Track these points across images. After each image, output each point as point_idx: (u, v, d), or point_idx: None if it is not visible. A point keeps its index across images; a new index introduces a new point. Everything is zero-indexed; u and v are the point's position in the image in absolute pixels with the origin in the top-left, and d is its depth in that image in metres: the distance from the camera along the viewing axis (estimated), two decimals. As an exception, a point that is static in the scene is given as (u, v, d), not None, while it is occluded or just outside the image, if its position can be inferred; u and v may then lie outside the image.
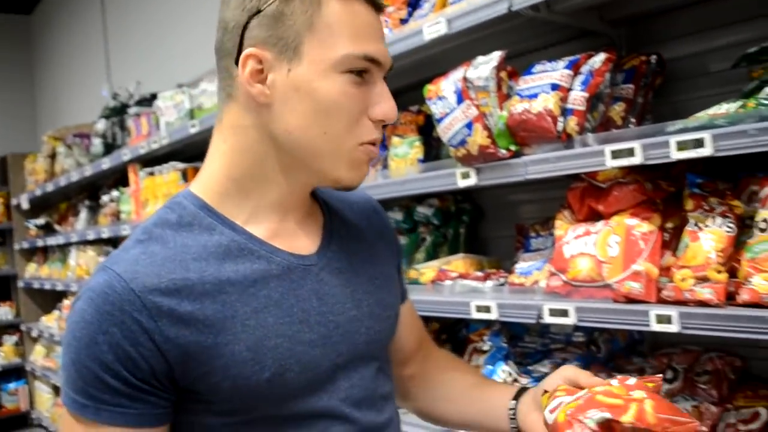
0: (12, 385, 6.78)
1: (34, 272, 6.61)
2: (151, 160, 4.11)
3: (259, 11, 0.98)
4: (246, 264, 1.02)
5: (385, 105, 1.03)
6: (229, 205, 1.06)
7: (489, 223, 2.65)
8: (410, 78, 2.63)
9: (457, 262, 2.28)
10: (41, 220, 6.30)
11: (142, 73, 5.23)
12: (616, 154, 1.63)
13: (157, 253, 0.99)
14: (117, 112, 4.66)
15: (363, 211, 1.27)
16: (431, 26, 2.05)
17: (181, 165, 3.70)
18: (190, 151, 4.01)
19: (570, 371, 1.17)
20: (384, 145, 2.60)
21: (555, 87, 1.81)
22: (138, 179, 4.15)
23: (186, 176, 3.65)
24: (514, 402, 1.24)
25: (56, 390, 6.25)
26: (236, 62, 1.01)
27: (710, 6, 1.98)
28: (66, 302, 5.68)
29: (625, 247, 1.68)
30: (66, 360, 0.98)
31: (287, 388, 1.02)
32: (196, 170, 3.63)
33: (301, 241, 1.10)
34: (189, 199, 1.06)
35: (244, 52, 0.99)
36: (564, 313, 1.74)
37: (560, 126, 1.79)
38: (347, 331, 1.09)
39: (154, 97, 4.27)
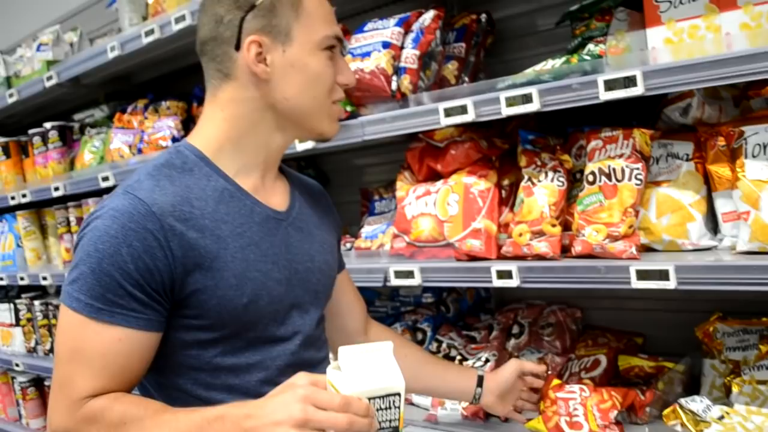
0: None
1: None
2: (-31, 135, 3.76)
3: (253, 6, 1.23)
4: (235, 208, 1.25)
5: (347, 73, 1.32)
6: (223, 159, 1.27)
7: (334, 189, 2.59)
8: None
9: (302, 229, 2.21)
10: None
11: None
12: (449, 112, 1.61)
13: (167, 187, 1.20)
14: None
15: (313, 191, 1.51)
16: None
17: (2, 139, 3.38)
18: (12, 123, 3.69)
19: (516, 365, 1.60)
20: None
21: (386, 45, 1.77)
22: (-46, 156, 3.78)
23: (8, 151, 3.35)
24: (479, 390, 1.59)
25: None
26: (237, 48, 1.24)
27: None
28: None
29: (464, 205, 1.68)
30: (84, 269, 1.14)
31: (257, 314, 1.24)
32: (20, 144, 3.37)
33: (275, 198, 1.34)
34: (190, 149, 1.28)
35: (248, 39, 1.23)
36: (409, 274, 1.72)
37: (394, 85, 1.76)
38: (304, 278, 1.33)
39: (-35, 64, 3.89)
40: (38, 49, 3.07)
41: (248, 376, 1.25)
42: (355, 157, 2.55)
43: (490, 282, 1.59)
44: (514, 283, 1.55)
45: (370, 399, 1.02)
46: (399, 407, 1.04)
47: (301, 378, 1.06)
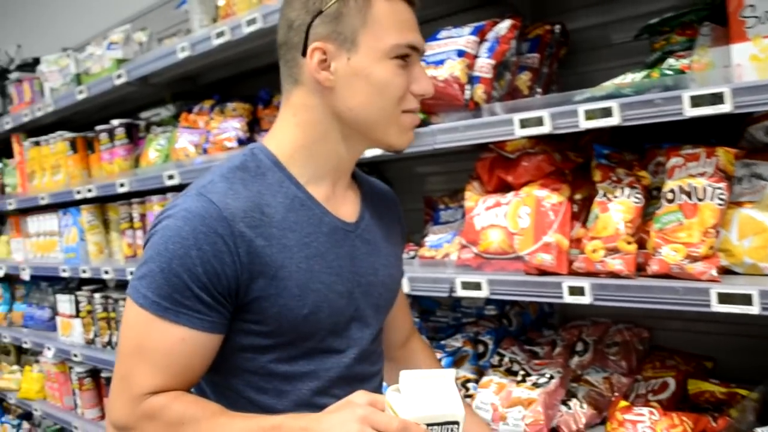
0: None
1: None
2: (37, 129, 3.84)
3: (320, 11, 1.20)
4: (304, 217, 1.24)
5: (423, 82, 1.25)
6: (295, 165, 1.26)
7: (397, 196, 2.58)
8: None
9: (365, 235, 2.20)
10: None
11: (22, 35, 4.88)
12: (524, 123, 1.59)
13: (240, 192, 1.20)
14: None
15: (386, 200, 1.50)
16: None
17: (69, 134, 3.46)
18: (79, 119, 3.77)
19: None
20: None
21: (461, 53, 1.75)
22: (22, 150, 3.88)
23: (75, 146, 3.42)
24: None
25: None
26: (303, 54, 1.22)
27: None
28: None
29: (536, 218, 1.65)
30: (153, 267, 1.15)
31: (316, 325, 1.23)
32: (86, 140, 3.44)
33: (345, 208, 1.32)
34: (264, 153, 1.27)
35: (312, 46, 1.20)
36: (477, 286, 1.70)
37: (467, 94, 1.74)
38: (366, 291, 1.32)
39: (36, 61, 3.98)
40: (108, 48, 3.13)
41: (300, 384, 1.25)
42: (418, 165, 2.53)
43: (561, 298, 1.56)
44: (586, 300, 1.52)
45: (428, 425, 1.00)
46: None
47: (360, 397, 1.05)
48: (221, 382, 1.26)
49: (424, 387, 1.03)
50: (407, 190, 2.56)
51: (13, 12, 5.35)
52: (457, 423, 1.01)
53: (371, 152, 1.92)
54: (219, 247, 1.14)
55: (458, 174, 2.35)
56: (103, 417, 3.49)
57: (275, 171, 1.25)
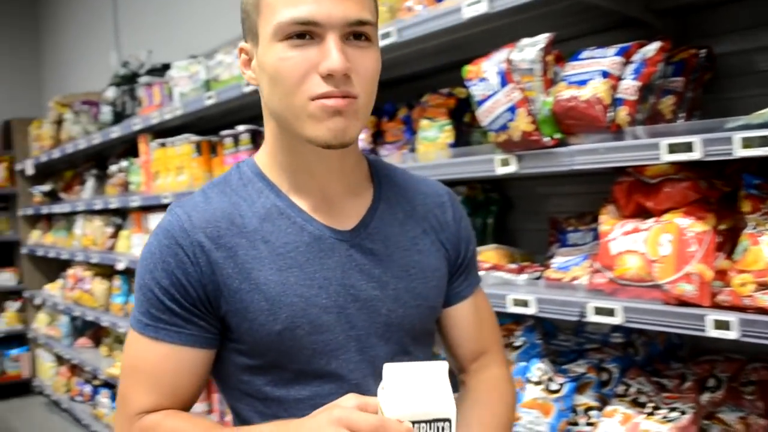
0: (14, 351, 6.71)
1: (38, 239, 6.53)
2: (163, 131, 4.01)
3: (242, 10, 1.17)
4: (281, 227, 1.16)
5: (328, 60, 1.06)
6: (274, 174, 1.21)
7: (517, 215, 2.56)
8: (440, 60, 2.53)
9: (489, 253, 2.19)
10: (47, 187, 6.19)
11: (152, 41, 5.11)
12: (673, 148, 1.54)
13: (213, 202, 1.17)
14: (127, 81, 4.52)
15: (425, 203, 1.31)
16: (471, 4, 1.95)
17: (195, 137, 3.59)
18: (203, 124, 3.91)
19: None
20: (411, 128, 2.51)
21: (605, 74, 1.72)
22: (149, 150, 4.05)
23: (200, 149, 3.55)
24: None
25: (59, 359, 6.19)
26: None
27: (760, 2, 1.88)
28: (71, 271, 5.60)
29: (678, 246, 1.60)
30: (136, 286, 1.18)
31: (296, 344, 1.14)
32: (211, 144, 3.56)
33: (341, 217, 1.20)
34: (249, 165, 1.24)
35: (237, 47, 1.20)
36: (610, 312, 1.66)
37: (610, 116, 1.70)
38: (365, 307, 1.18)
39: (166, 66, 4.16)
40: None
41: (297, 412, 1.12)
42: (540, 185, 2.50)
43: (704, 331, 1.50)
44: (732, 335, 1.45)
45: (414, 423, 0.91)
46: None
47: (348, 400, 0.97)
48: (233, 406, 1.25)
49: (411, 381, 0.93)
50: (528, 209, 2.53)
51: (144, 19, 5.61)
52: (448, 420, 0.92)
53: (505, 169, 1.91)
54: (180, 258, 1.13)
55: (581, 196, 2.31)
56: (210, 411, 3.58)
57: (256, 181, 1.20)
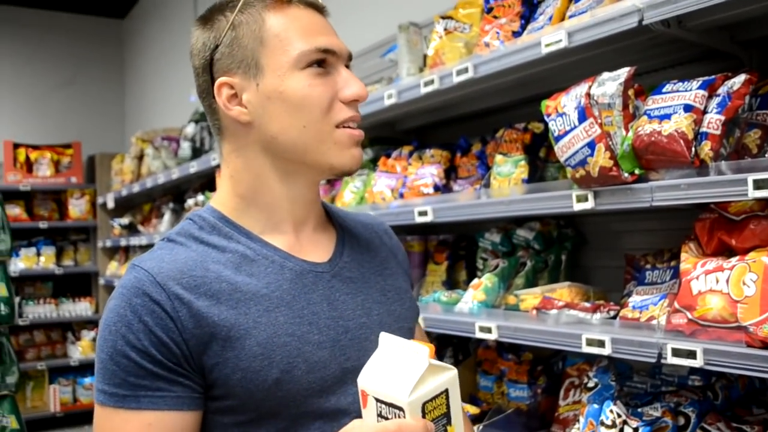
0: (88, 380, 6.86)
1: (115, 270, 6.72)
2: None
3: (217, 46, 1.13)
4: (260, 267, 1.12)
5: (353, 86, 1.13)
6: (244, 217, 1.17)
7: (591, 251, 2.51)
8: (516, 94, 2.53)
9: (563, 290, 2.15)
10: (125, 220, 6.40)
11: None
12: (760, 184, 1.49)
13: (180, 254, 1.11)
14: (206, 117, 4.67)
15: (374, 231, 1.36)
16: (551, 39, 1.94)
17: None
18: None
19: None
20: (485, 163, 2.50)
21: (688, 108, 1.68)
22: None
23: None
24: None
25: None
26: (213, 96, 1.14)
27: None
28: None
29: (764, 287, 1.53)
30: (103, 356, 1.06)
31: (295, 386, 1.08)
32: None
33: (315, 252, 1.20)
34: (209, 212, 1.18)
35: (216, 83, 1.13)
36: (691, 354, 1.59)
37: (693, 151, 1.66)
38: (356, 336, 1.16)
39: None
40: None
41: None
42: (614, 221, 2.45)
43: (792, 375, 1.43)
44: (824, 380, 1.38)
45: (377, 400, 0.97)
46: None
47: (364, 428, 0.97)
48: None
49: (392, 360, 0.97)
50: (602, 246, 2.48)
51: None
52: (401, 409, 0.93)
53: (583, 206, 1.88)
54: (158, 315, 1.04)
55: (658, 233, 2.25)
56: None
57: (221, 226, 1.16)
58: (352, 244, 1.26)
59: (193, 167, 4.44)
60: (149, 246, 5.78)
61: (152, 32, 7.57)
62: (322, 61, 1.12)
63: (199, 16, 1.20)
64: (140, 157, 5.97)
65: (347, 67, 1.18)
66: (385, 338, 0.98)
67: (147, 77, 7.73)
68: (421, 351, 0.95)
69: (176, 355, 1.04)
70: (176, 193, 5.55)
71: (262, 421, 1.09)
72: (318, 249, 1.21)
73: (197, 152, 4.63)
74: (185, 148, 4.81)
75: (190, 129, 4.76)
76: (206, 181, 4.74)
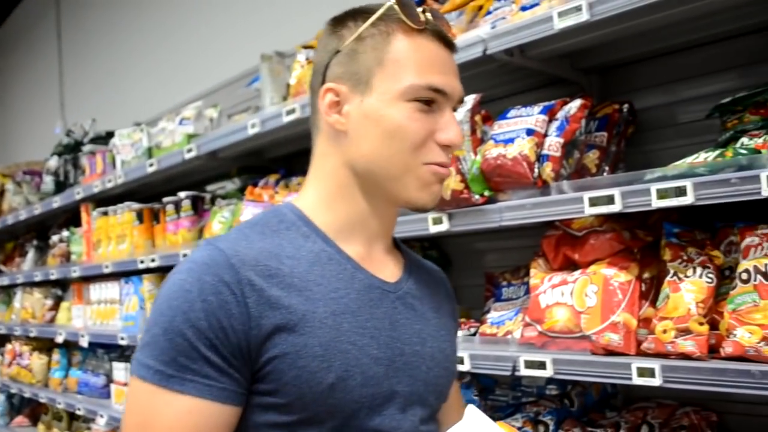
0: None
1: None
2: (105, 200, 3.97)
3: (338, 51, 1.12)
4: (333, 272, 1.10)
5: (451, 131, 1.11)
6: (323, 219, 1.14)
7: (456, 271, 2.59)
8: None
9: (426, 310, 2.20)
10: (-15, 260, 6.05)
11: (97, 110, 5.11)
12: (594, 202, 1.60)
13: (256, 242, 1.07)
14: (70, 150, 4.50)
15: (434, 275, 1.34)
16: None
17: (136, 205, 3.57)
18: (146, 191, 3.90)
19: None
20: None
21: (530, 132, 1.78)
22: (90, 219, 4.00)
23: (141, 217, 3.53)
24: None
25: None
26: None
27: (678, 58, 1.99)
28: (8, 347, 5.42)
29: (603, 297, 1.64)
30: (156, 330, 1.00)
31: (347, 396, 1.04)
32: (153, 211, 3.54)
33: (384, 271, 1.17)
34: (289, 208, 1.16)
35: (323, 86, 1.12)
36: (541, 365, 1.67)
37: (536, 172, 1.76)
38: (409, 362, 1.13)
39: (109, 135, 4.14)
40: (180, 123, 3.27)
41: None
42: (477, 240, 2.54)
43: (630, 379, 1.53)
44: (656, 382, 1.48)
45: None
46: None
47: None
48: None
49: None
50: (466, 265, 2.57)
51: (89, 88, 5.63)
52: None
53: (438, 228, 1.95)
54: (224, 297, 0.99)
55: (517, 251, 2.35)
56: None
57: (300, 225, 1.13)
58: (417, 276, 1.24)
59: (57, 202, 4.27)
60: (12, 287, 5.50)
61: (13, 62, 7.26)
62: (431, 100, 1.10)
63: (334, 16, 1.17)
64: (1, 193, 5.67)
65: (455, 110, 1.16)
66: (471, 412, 0.93)
67: (8, 109, 7.39)
68: None
69: (233, 345, 0.99)
70: (40, 230, 5.30)
71: (303, 426, 1.04)
72: (386, 269, 1.18)
73: (61, 186, 4.45)
74: (48, 182, 4.61)
75: (53, 162, 4.57)
76: (71, 216, 4.56)
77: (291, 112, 2.43)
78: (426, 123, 1.09)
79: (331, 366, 1.03)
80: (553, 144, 1.76)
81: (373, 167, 1.11)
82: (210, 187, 3.56)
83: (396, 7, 1.10)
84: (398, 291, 1.17)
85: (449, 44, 1.14)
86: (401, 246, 1.29)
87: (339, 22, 1.15)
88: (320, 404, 1.03)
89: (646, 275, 1.68)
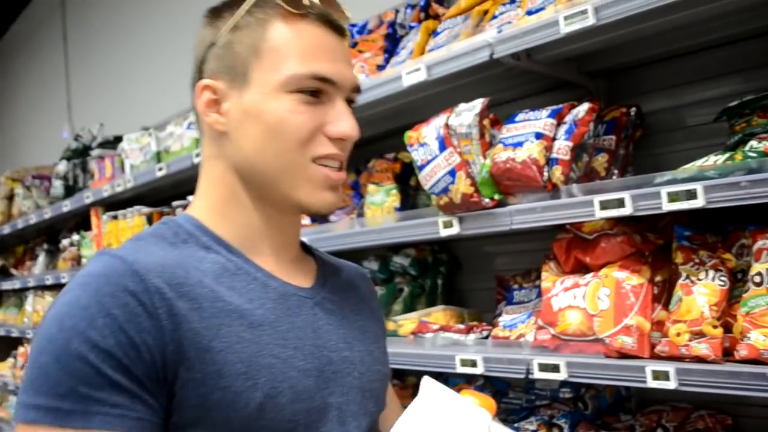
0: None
1: (-13, 318, 6.37)
2: (115, 204, 3.98)
3: (213, 44, 1.01)
4: (243, 282, 0.99)
5: (343, 123, 1.00)
6: (223, 229, 1.03)
7: (466, 275, 2.59)
8: (386, 125, 2.59)
9: (438, 314, 2.21)
10: (-3, 264, 6.08)
11: (104, 114, 5.13)
12: (605, 205, 1.60)
13: (156, 251, 0.95)
14: (79, 154, 4.53)
15: (352, 275, 1.25)
16: (410, 72, 2.02)
17: (146, 209, 3.59)
18: (155, 195, 3.91)
19: None
20: (359, 193, 2.55)
21: (539, 136, 1.78)
22: (100, 223, 4.02)
23: (151, 221, 3.54)
24: None
25: (8, 442, 5.98)
26: None
27: (685, 61, 1.99)
28: (21, 350, 5.46)
29: (616, 300, 1.64)
30: (44, 360, 0.83)
31: (279, 415, 0.92)
32: (162, 215, 3.56)
33: (297, 277, 1.07)
34: (185, 218, 1.04)
35: (199, 83, 1.02)
36: (555, 368, 1.68)
37: (545, 175, 1.76)
38: (339, 370, 1.04)
39: (117, 139, 4.16)
40: (188, 127, 3.27)
41: None
42: (487, 244, 2.54)
43: (645, 382, 1.53)
44: (671, 385, 1.48)
45: None
46: None
47: None
48: None
49: (441, 412, 0.86)
50: (477, 268, 2.57)
51: (96, 92, 5.64)
52: None
53: (449, 231, 1.95)
54: (132, 309, 0.85)
55: (527, 254, 2.35)
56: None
57: (199, 235, 1.01)
58: (333, 279, 1.15)
59: (66, 206, 4.29)
60: (23, 290, 5.53)
61: (21, 66, 7.28)
62: (317, 90, 0.99)
63: (212, 6, 1.06)
64: (10, 197, 5.69)
65: (351, 101, 1.06)
66: (428, 385, 0.86)
67: (16, 113, 7.42)
68: (480, 414, 0.85)
69: (146, 363, 0.84)
70: (50, 234, 5.33)
71: None
72: (299, 275, 1.08)
73: (70, 190, 4.47)
74: (57, 186, 4.63)
75: (63, 166, 4.59)
76: (81, 220, 4.58)
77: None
78: (313, 116, 0.99)
79: (257, 383, 0.91)
80: (562, 147, 1.76)
81: (258, 169, 1.00)
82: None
83: None
84: (315, 297, 1.07)
85: (338, 29, 1.02)
86: (313, 250, 1.20)
87: (215, 12, 1.04)
88: (251, 429, 0.90)
89: (657, 278, 1.68)
